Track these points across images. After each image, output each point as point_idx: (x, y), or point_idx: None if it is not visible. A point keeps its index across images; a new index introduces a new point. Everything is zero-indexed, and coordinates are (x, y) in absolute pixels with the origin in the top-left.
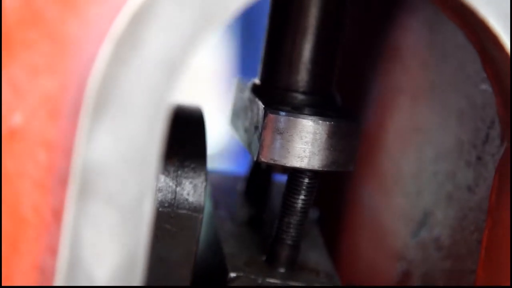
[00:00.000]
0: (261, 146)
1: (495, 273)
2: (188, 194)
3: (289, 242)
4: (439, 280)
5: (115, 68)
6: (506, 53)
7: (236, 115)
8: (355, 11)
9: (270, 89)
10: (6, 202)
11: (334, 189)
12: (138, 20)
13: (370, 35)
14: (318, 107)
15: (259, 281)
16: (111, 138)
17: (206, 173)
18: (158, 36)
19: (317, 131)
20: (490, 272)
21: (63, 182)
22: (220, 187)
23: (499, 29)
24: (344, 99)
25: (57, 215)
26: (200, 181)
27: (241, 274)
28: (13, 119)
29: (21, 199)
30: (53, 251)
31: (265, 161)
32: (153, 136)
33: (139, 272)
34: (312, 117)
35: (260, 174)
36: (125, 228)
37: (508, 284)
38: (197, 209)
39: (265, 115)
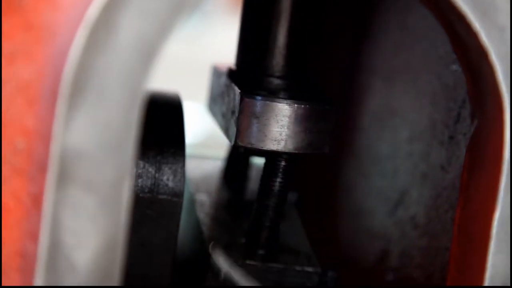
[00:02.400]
0: (238, 131)
1: (468, 250)
2: (167, 180)
3: (267, 224)
4: (416, 257)
5: (90, 55)
6: (473, 32)
7: (214, 100)
8: None
9: (246, 74)
10: None
11: (312, 171)
12: (112, 6)
13: (343, 17)
14: (293, 91)
15: (239, 263)
16: (88, 124)
17: (185, 158)
18: (132, 22)
19: (293, 115)
20: (463, 249)
21: (42, 168)
22: (199, 172)
23: (466, 9)
24: (319, 82)
25: (37, 201)
26: (179, 166)
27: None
28: None
29: (1, 187)
30: (34, 236)
31: (243, 145)
32: (129, 121)
33: (120, 256)
34: (288, 101)
35: (238, 158)
36: (105, 213)
37: (480, 261)
38: (177, 194)
39: (241, 99)
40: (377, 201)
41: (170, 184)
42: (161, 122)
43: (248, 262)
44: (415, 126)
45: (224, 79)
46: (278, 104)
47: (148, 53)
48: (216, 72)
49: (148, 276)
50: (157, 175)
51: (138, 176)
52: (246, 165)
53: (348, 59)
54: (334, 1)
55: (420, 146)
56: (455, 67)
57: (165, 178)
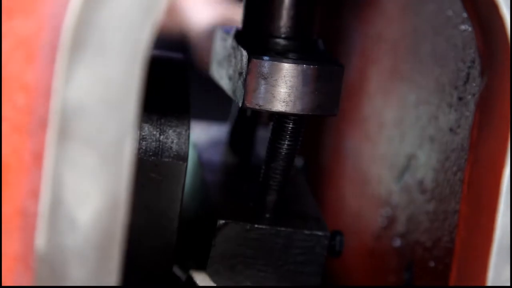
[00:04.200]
0: (245, 92)
1: (477, 208)
2: (172, 142)
3: (275, 187)
4: (424, 222)
5: (90, 8)
6: None
7: (219, 63)
8: None
9: (253, 36)
10: None
11: (318, 138)
12: None
13: None
14: (301, 52)
15: (247, 227)
16: (89, 79)
17: (190, 121)
18: None
19: (301, 75)
20: (473, 207)
21: (42, 125)
22: (205, 137)
23: None
24: (326, 47)
25: (38, 158)
26: (184, 129)
27: (229, 220)
28: None
29: (1, 144)
30: (35, 194)
31: (250, 106)
32: (131, 76)
33: (122, 215)
34: (296, 61)
35: (245, 122)
36: (106, 170)
37: (489, 220)
38: (182, 157)
39: (249, 60)
40: (384, 167)
41: (174, 147)
42: (165, 84)
43: (256, 225)
44: (423, 89)
45: (230, 41)
46: (286, 64)
47: (149, 8)
48: (221, 34)
49: (153, 239)
50: (161, 138)
51: (142, 139)
52: (253, 130)
53: (354, 23)
54: None
55: (427, 109)
56: (464, 27)
57: (169, 141)
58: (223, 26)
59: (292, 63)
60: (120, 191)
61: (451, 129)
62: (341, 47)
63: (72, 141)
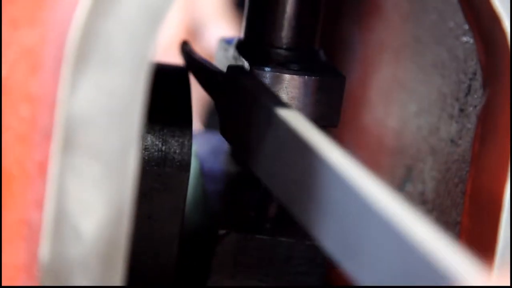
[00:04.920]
0: None
1: (479, 221)
2: (174, 153)
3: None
4: None
5: (95, 19)
6: None
7: None
8: None
9: (254, 47)
10: None
11: None
12: None
13: None
14: (302, 62)
15: (248, 237)
16: (93, 90)
17: (192, 131)
18: None
19: (303, 86)
20: (475, 220)
21: (47, 135)
22: (206, 146)
23: None
24: (327, 56)
25: (42, 169)
26: (186, 139)
27: (230, 230)
28: None
29: (5, 154)
30: (39, 205)
31: None
32: (136, 87)
33: (126, 226)
34: (298, 72)
35: None
36: (111, 181)
37: (491, 233)
38: (184, 167)
39: (250, 71)
40: (384, 178)
41: (177, 157)
42: (167, 94)
43: (257, 236)
44: (424, 99)
45: (231, 52)
46: (287, 75)
47: (154, 18)
48: (222, 45)
49: (155, 248)
50: (163, 148)
51: (145, 149)
52: None
53: (355, 32)
54: None
55: (429, 120)
56: (466, 38)
57: (171, 151)
58: (224, 37)
59: (294, 74)
60: (124, 202)
61: (452, 141)
62: (341, 56)
63: (76, 151)
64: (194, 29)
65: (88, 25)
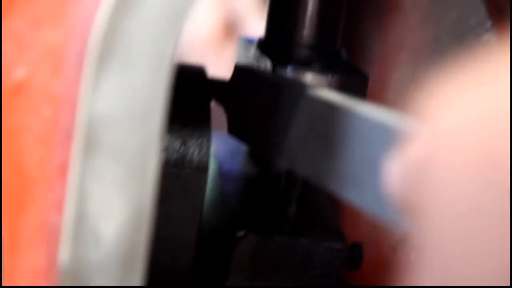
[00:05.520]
0: None
1: None
2: (193, 154)
3: (295, 198)
4: None
5: (118, 18)
6: None
7: None
8: None
9: (276, 45)
10: (10, 159)
11: None
12: None
13: None
14: (325, 61)
15: (266, 238)
16: (115, 90)
17: (211, 132)
18: None
19: (325, 85)
20: None
21: (68, 137)
22: (224, 147)
23: None
24: (348, 52)
25: (63, 171)
26: (205, 140)
27: (248, 232)
28: (16, 73)
29: (26, 156)
30: (60, 207)
31: None
32: (157, 88)
33: (146, 228)
34: (321, 71)
35: None
36: (132, 183)
37: None
38: (203, 169)
39: (273, 70)
40: None
41: (196, 158)
42: (185, 95)
43: (275, 237)
44: None
45: (253, 51)
46: (312, 74)
47: (176, 18)
48: (243, 44)
49: (173, 249)
50: (182, 149)
51: (163, 150)
52: None
53: (374, 31)
54: None
55: None
56: (488, 36)
57: (190, 152)
58: (244, 35)
59: (317, 73)
60: (144, 204)
61: None
62: (360, 54)
63: (98, 153)
64: (232, 25)
65: (110, 24)
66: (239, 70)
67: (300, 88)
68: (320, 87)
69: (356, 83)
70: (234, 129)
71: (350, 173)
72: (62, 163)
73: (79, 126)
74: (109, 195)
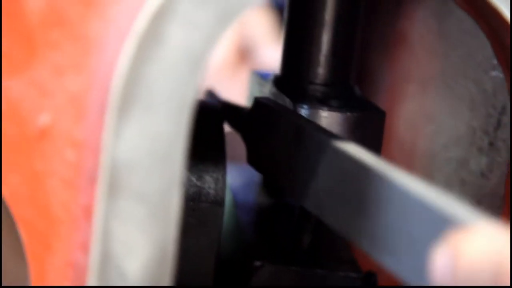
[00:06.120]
0: None
1: None
2: (209, 188)
3: (309, 229)
4: None
5: (139, 65)
6: None
7: None
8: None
9: (293, 82)
10: (37, 201)
11: None
12: (160, 17)
13: (379, 23)
14: (341, 98)
15: (283, 268)
16: (137, 134)
17: (226, 166)
18: (179, 32)
19: (345, 122)
20: None
21: (92, 179)
22: (239, 178)
23: (509, 15)
24: (357, 84)
25: (88, 212)
26: (220, 174)
27: (266, 262)
28: (41, 119)
29: (52, 198)
30: (85, 247)
31: None
32: (178, 131)
33: (170, 265)
34: (340, 109)
35: None
36: (154, 222)
37: None
38: (219, 202)
39: (294, 108)
40: None
41: (212, 192)
42: (200, 130)
43: (292, 267)
44: (453, 132)
45: (269, 87)
46: (331, 112)
47: (195, 63)
48: (256, 79)
49: (191, 283)
50: (198, 183)
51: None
52: None
53: (382, 62)
54: (372, 7)
55: (458, 152)
56: (495, 73)
57: (206, 186)
58: (257, 70)
59: (338, 111)
60: (167, 242)
61: (482, 174)
62: (369, 87)
63: (121, 194)
64: (246, 51)
65: (131, 71)
66: (260, 103)
67: (326, 136)
68: (345, 140)
69: (374, 120)
70: (253, 161)
71: (385, 239)
72: (87, 204)
73: (103, 169)
74: (133, 234)
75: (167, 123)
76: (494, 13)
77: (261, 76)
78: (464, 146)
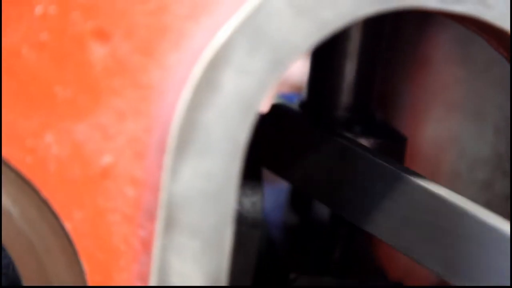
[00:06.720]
0: None
1: None
2: (247, 212)
3: (340, 243)
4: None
5: (195, 111)
6: None
7: None
8: (390, 26)
9: (318, 109)
10: (99, 235)
11: None
12: (215, 66)
13: (404, 48)
14: (364, 124)
15: (317, 279)
16: (193, 174)
17: (263, 190)
18: (233, 80)
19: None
20: None
21: (151, 215)
22: (268, 197)
23: None
24: (380, 109)
25: (147, 245)
26: (257, 198)
27: (300, 273)
28: (103, 159)
29: (113, 232)
30: (144, 278)
31: None
32: (231, 171)
33: None
34: (367, 138)
35: None
36: (209, 255)
37: None
38: (256, 225)
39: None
40: None
41: (250, 216)
42: None
43: (324, 277)
44: (477, 155)
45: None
46: (358, 139)
47: (248, 108)
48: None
49: None
50: (237, 207)
51: None
52: None
53: (409, 88)
54: (397, 33)
55: (482, 175)
56: None
57: (245, 210)
58: (282, 93)
59: (358, 136)
60: (220, 272)
61: (507, 197)
62: (392, 108)
63: (177, 230)
64: None
65: (188, 116)
66: (277, 108)
67: (384, 162)
68: (404, 167)
69: (397, 146)
70: (271, 164)
71: (465, 269)
72: (146, 238)
73: (161, 206)
74: (188, 266)
75: (220, 164)
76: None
77: (285, 98)
78: (488, 169)
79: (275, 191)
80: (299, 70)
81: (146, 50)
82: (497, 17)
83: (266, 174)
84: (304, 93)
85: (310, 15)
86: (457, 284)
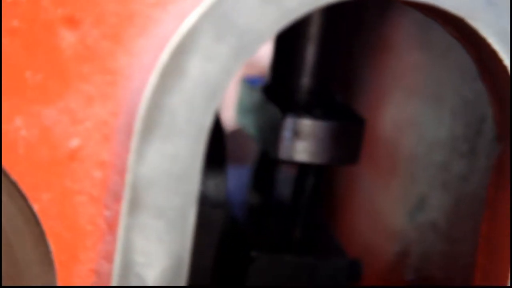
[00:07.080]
0: (279, 146)
1: (494, 261)
2: (211, 193)
3: (300, 222)
4: (436, 261)
5: (161, 95)
6: (504, 66)
7: (245, 112)
8: (352, 11)
9: (280, 91)
10: (66, 216)
11: (335, 174)
12: (181, 52)
13: (365, 32)
14: (325, 107)
15: (278, 258)
16: (158, 156)
17: (226, 171)
18: (199, 65)
19: (329, 131)
20: (490, 261)
21: (117, 196)
22: (231, 178)
23: (498, 46)
24: (342, 92)
25: (112, 225)
26: (221, 179)
27: (262, 253)
28: (71, 143)
29: (80, 213)
30: (108, 257)
31: (283, 159)
32: (195, 153)
33: (185, 274)
34: (326, 119)
35: (267, 166)
36: (172, 235)
37: (507, 272)
38: (219, 205)
39: (283, 117)
40: (397, 205)
41: (213, 196)
42: None
43: (284, 256)
44: (435, 138)
45: (258, 94)
46: (318, 122)
47: (213, 93)
48: (246, 85)
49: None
50: (201, 188)
51: None
52: (274, 171)
53: (370, 72)
54: (358, 17)
55: (439, 157)
56: (476, 84)
57: (208, 191)
58: (246, 76)
59: (323, 121)
60: (184, 252)
61: (463, 177)
62: (354, 91)
63: (142, 210)
64: None
65: (154, 100)
66: None
67: None
68: None
69: (355, 128)
70: None
71: None
72: (111, 219)
73: (127, 188)
74: (152, 246)
75: (185, 146)
76: (482, 42)
77: (249, 82)
78: (445, 151)
79: (239, 172)
80: (268, 54)
81: (114, 37)
82: (452, 4)
83: (230, 156)
84: (267, 76)
85: (275, 3)
86: None
